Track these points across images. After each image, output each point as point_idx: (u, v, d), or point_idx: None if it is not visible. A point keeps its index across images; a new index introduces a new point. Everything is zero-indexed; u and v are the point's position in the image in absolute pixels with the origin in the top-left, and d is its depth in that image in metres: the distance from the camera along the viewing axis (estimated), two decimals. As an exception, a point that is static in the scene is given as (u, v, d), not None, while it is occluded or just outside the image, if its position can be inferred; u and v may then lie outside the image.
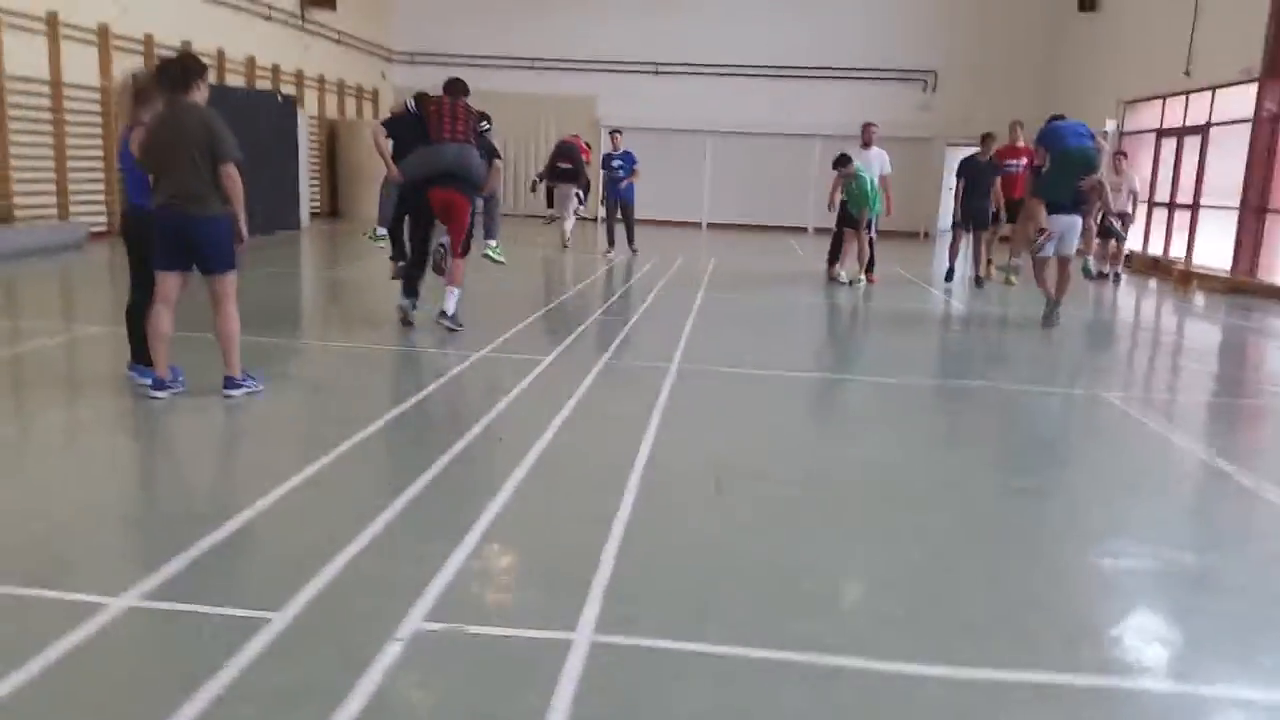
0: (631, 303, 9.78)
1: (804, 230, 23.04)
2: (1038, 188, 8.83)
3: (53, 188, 12.36)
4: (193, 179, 4.96)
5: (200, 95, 5.09)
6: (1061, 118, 9.38)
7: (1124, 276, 13.46)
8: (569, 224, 15.17)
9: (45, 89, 12.14)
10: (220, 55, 15.82)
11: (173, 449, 4.78)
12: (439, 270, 7.80)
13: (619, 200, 14.57)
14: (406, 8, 23.55)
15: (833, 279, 11.97)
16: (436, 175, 7.16)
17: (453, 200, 7.23)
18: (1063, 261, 8.75)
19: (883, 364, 7.58)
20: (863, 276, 11.73)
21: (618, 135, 15.36)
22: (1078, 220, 8.79)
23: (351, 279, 11.11)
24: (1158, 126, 16.73)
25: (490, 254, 8.17)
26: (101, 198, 13.30)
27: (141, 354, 5.37)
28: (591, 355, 6.89)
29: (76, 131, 12.65)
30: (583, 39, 23.12)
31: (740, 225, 23.18)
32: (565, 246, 15.07)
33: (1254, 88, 13.35)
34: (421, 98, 7.61)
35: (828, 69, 22.83)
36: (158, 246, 5.08)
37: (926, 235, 23.15)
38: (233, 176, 5.05)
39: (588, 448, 4.71)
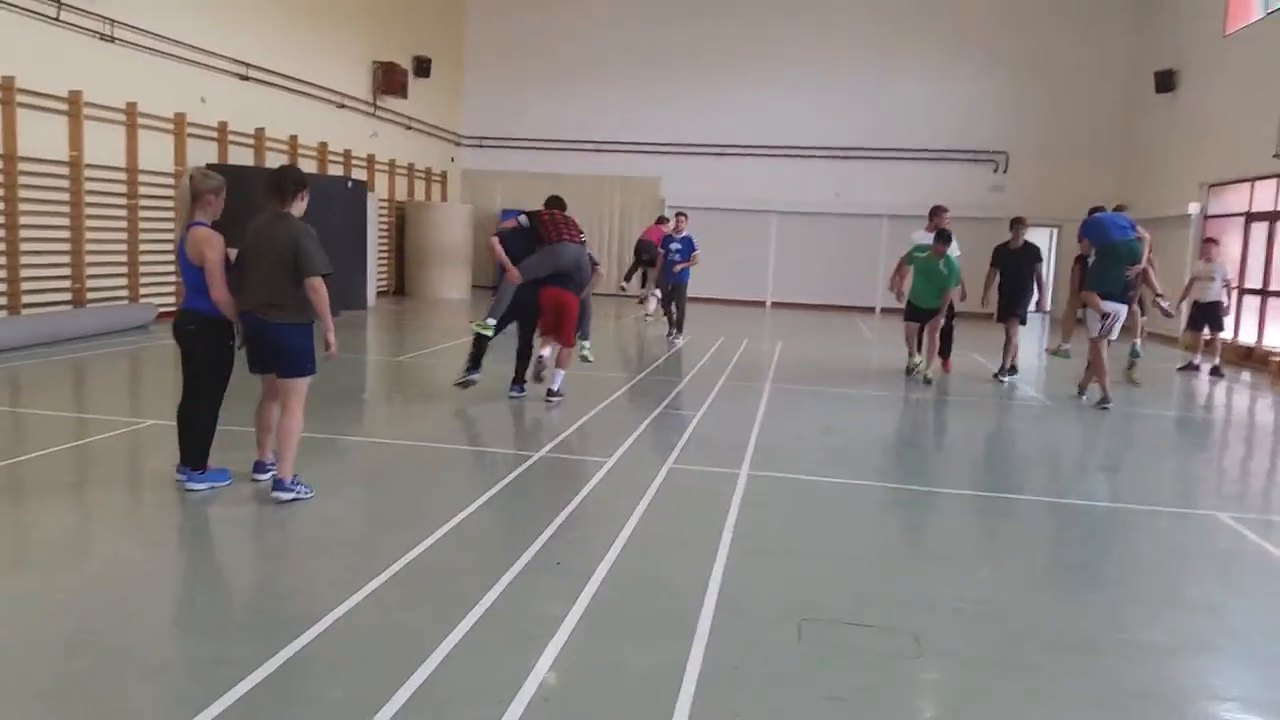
0: (696, 394, 9.40)
1: (871, 310, 22.60)
2: (1090, 280, 9.50)
3: (124, 270, 12.53)
4: (274, 288, 5.10)
5: (299, 206, 5.24)
6: (1101, 209, 10.07)
7: (1223, 371, 12.62)
8: (651, 304, 16.93)
9: (121, 175, 12.39)
10: (293, 141, 16.15)
11: (216, 557, 4.50)
12: (538, 378, 8.66)
13: (672, 284, 14.43)
14: (475, 94, 24.02)
15: (912, 371, 10.99)
16: (553, 274, 8.25)
17: (563, 297, 8.32)
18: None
19: (968, 472, 7.06)
20: (930, 368, 10.84)
21: (682, 218, 15.40)
22: (1124, 308, 9.50)
23: (415, 365, 10.94)
24: (1247, 210, 16.02)
25: (584, 354, 9.12)
26: (171, 278, 13.46)
27: (189, 455, 5.24)
28: (654, 458, 6.50)
29: (149, 215, 12.87)
30: (648, 121, 23.29)
31: (805, 305, 22.82)
32: (647, 319, 16.64)
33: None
34: (533, 214, 8.55)
35: (893, 149, 22.60)
36: (249, 351, 5.28)
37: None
38: (317, 289, 5.14)
39: (653, 578, 4.30)
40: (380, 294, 18.97)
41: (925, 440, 8.28)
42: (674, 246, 14.62)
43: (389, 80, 19.12)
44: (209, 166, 13.82)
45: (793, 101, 22.82)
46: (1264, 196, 15.52)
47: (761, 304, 23.28)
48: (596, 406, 8.43)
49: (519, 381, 8.65)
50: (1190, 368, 12.92)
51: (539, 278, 8.28)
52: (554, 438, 7.04)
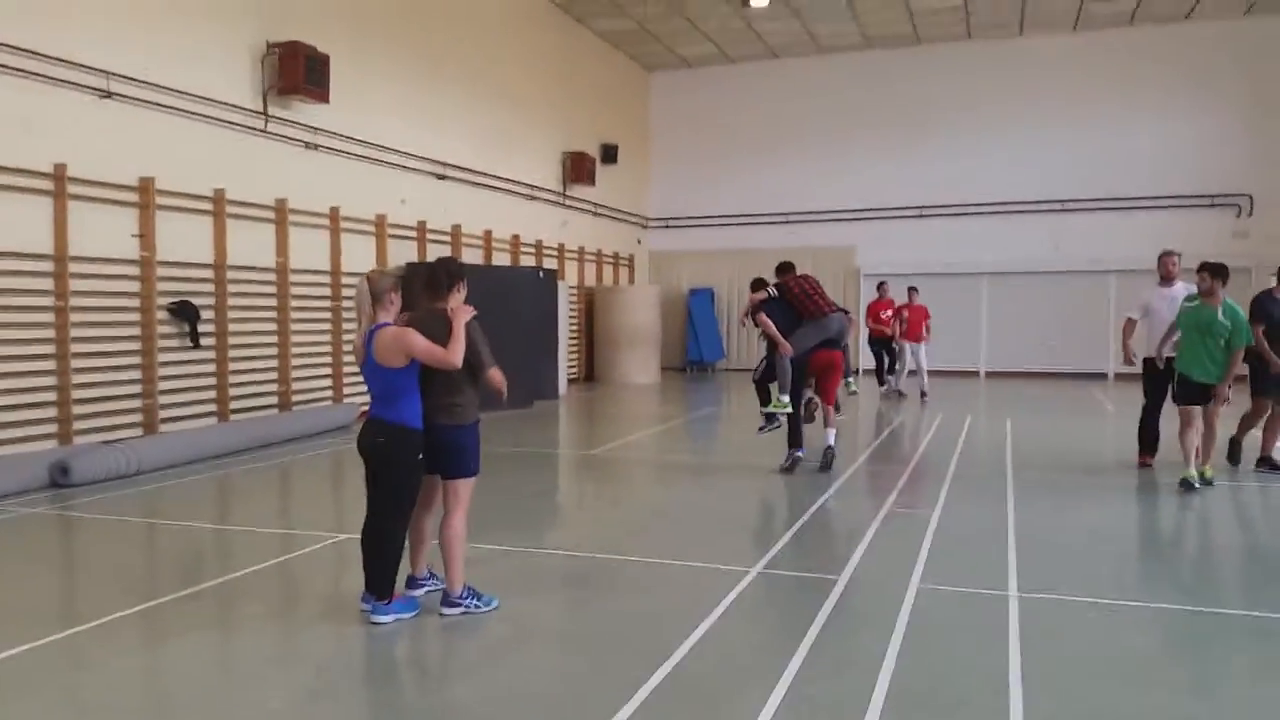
0: (926, 487, 8.24)
1: (1104, 376, 20.40)
2: None
3: (329, 371, 12.71)
4: (444, 388, 4.80)
5: (457, 299, 4.88)
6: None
7: None
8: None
9: (325, 278, 12.66)
10: (487, 235, 16.29)
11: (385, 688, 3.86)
12: (810, 419, 9.67)
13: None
14: (660, 175, 23.93)
15: (1190, 484, 7.87)
16: (824, 341, 8.95)
17: (834, 359, 9.07)
18: None
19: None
20: (1208, 464, 8.19)
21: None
22: None
23: (607, 460, 10.33)
24: None
25: (853, 388, 10.25)
26: (373, 378, 13.60)
27: (375, 583, 4.72)
28: (896, 575, 5.44)
29: (351, 315, 13.08)
30: (837, 188, 22.38)
31: (1024, 373, 20.88)
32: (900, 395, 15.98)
33: None
34: (781, 285, 9.08)
35: (1118, 199, 20.57)
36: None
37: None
38: (489, 379, 4.89)
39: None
40: (571, 380, 18.75)
41: (1225, 542, 6.76)
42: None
43: (577, 169, 19.20)
44: (408, 264, 14.11)
45: (999, 154, 21.30)
46: None
47: (975, 374, 21.53)
48: (811, 505, 7.45)
49: (799, 444, 9.10)
50: None
51: (812, 346, 8.94)
52: (768, 547, 6.11)
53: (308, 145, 12.27)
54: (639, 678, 3.90)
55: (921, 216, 21.96)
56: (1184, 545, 6.66)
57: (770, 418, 9.24)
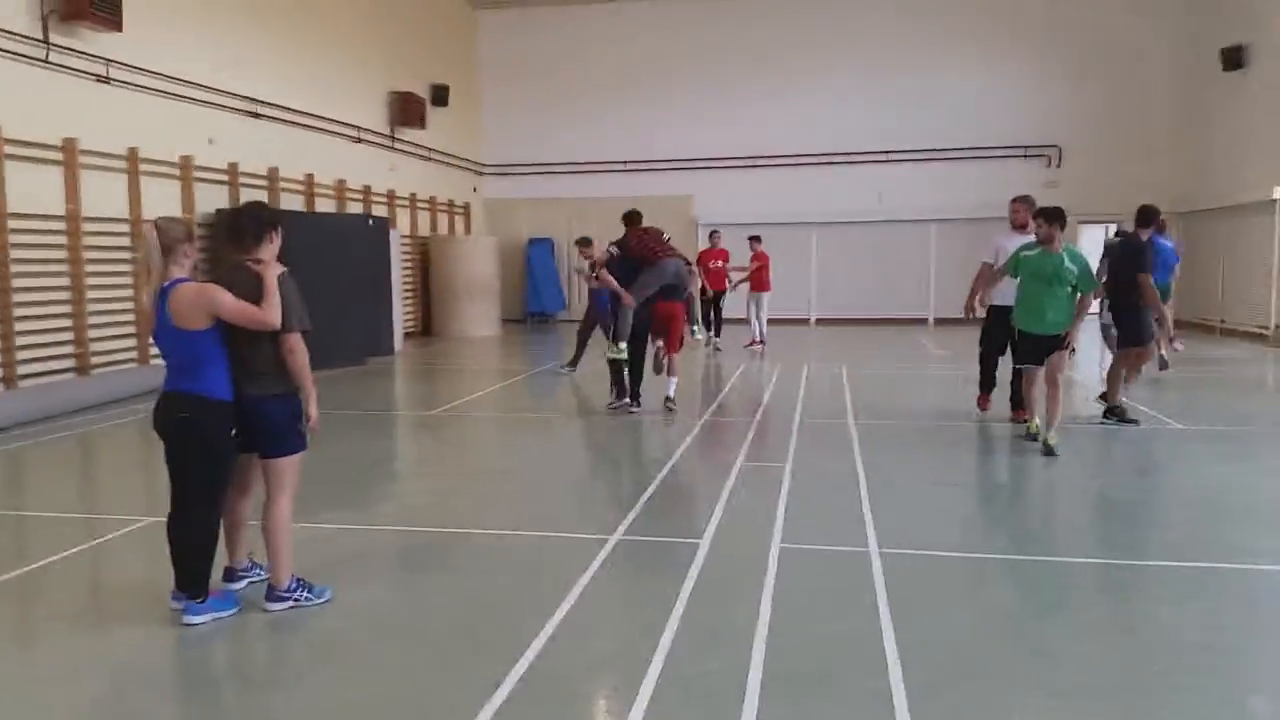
0: (776, 439, 8.21)
1: (924, 322, 21.32)
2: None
3: (133, 330, 11.54)
4: (250, 354, 4.18)
5: (270, 251, 4.26)
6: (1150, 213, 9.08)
7: None
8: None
9: (125, 227, 11.43)
10: (310, 180, 15.20)
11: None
12: (658, 370, 9.64)
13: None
14: (495, 120, 23.07)
15: (1035, 437, 7.71)
16: (663, 289, 9.11)
17: (674, 310, 9.32)
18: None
19: (1146, 529, 5.82)
20: (1053, 431, 7.48)
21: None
22: None
23: (448, 421, 9.83)
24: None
25: (697, 334, 10.16)
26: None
27: (186, 580, 4.17)
28: (757, 536, 5.31)
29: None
30: (675, 138, 22.22)
31: (853, 320, 21.56)
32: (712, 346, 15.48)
33: None
34: (621, 242, 9.33)
35: (938, 150, 21.34)
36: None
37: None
38: (294, 349, 4.15)
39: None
40: (407, 335, 17.94)
41: (1072, 489, 7.00)
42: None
43: (406, 111, 18.18)
44: (218, 210, 12.96)
45: (828, 106, 21.67)
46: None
47: (806, 321, 22.05)
48: (665, 465, 7.26)
49: (636, 398, 9.42)
50: None
51: (651, 295, 9.12)
52: (624, 511, 5.86)
53: (99, 78, 10.94)
54: (495, 675, 3.55)
55: (755, 167, 22.13)
56: (1030, 494, 6.81)
57: (621, 396, 9.57)
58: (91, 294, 10.84)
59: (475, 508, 6.27)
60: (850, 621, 4.07)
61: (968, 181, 21.09)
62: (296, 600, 4.29)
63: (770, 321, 16.20)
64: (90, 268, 10.82)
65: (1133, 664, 3.72)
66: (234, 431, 4.17)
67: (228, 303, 4.02)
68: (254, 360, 4.17)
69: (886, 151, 21.54)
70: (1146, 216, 9.02)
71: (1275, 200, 16.13)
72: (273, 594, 4.29)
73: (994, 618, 4.23)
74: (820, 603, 4.34)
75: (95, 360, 10.87)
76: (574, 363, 12.83)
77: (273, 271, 4.15)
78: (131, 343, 11.53)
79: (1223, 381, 11.94)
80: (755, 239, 15.87)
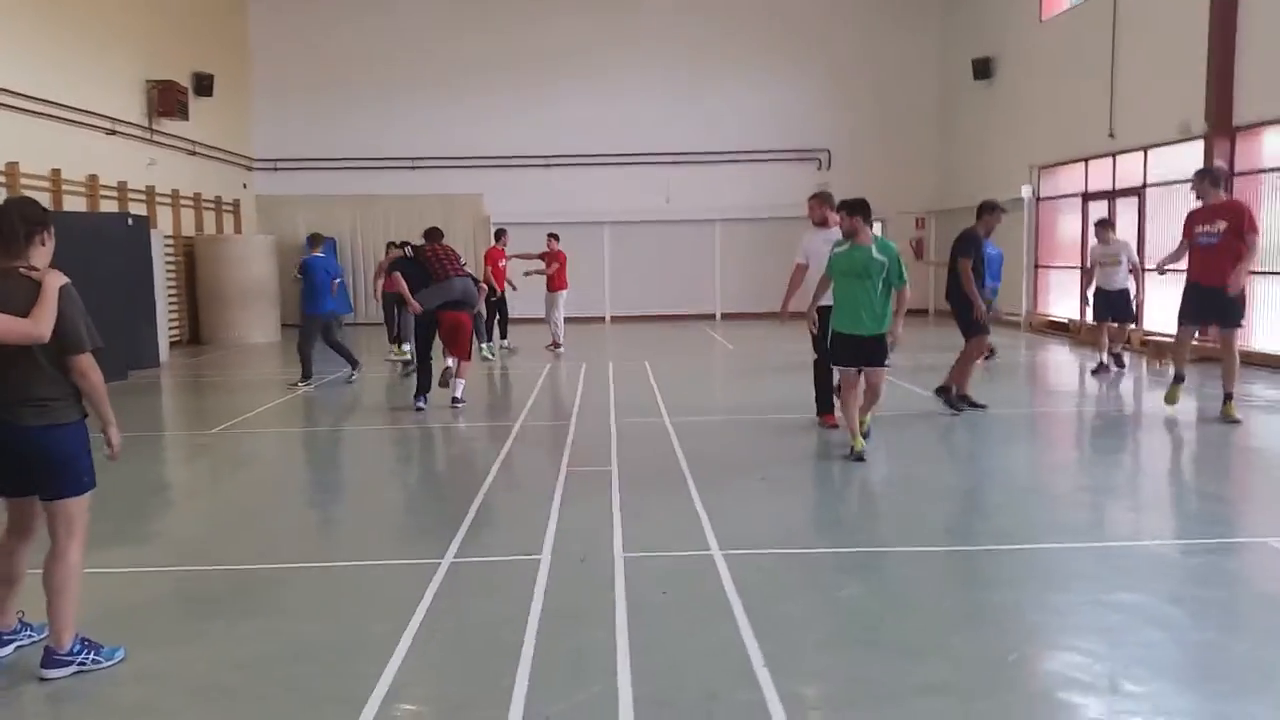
0: (595, 441, 8.02)
1: (712, 317, 21.94)
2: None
3: None
4: (27, 377, 3.57)
5: (42, 255, 3.69)
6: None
7: (1123, 361, 11.63)
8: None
9: None
10: (56, 176, 13.53)
11: None
12: (444, 384, 10.14)
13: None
14: (267, 111, 21.59)
15: (858, 456, 7.07)
16: (446, 303, 9.66)
17: (459, 320, 9.84)
18: None
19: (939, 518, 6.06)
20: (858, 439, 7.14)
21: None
22: None
23: (230, 441, 8.94)
24: (1083, 190, 16.26)
25: (485, 354, 11.51)
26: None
27: None
28: (598, 544, 5.09)
29: None
30: (464, 135, 21.64)
31: (645, 317, 21.83)
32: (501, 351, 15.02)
33: (1195, 146, 12.84)
34: (418, 248, 10.17)
35: (719, 152, 21.99)
36: None
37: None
38: (86, 373, 3.62)
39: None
40: (173, 344, 16.39)
41: (903, 477, 7.19)
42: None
43: (166, 101, 16.60)
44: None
45: (617, 109, 21.80)
46: (1100, 176, 15.72)
47: (601, 319, 22.11)
48: (486, 476, 6.90)
49: (423, 392, 9.74)
50: (1103, 369, 11.39)
51: (435, 306, 9.66)
52: (453, 529, 5.48)
53: None
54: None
55: (547, 166, 21.94)
56: (860, 485, 6.68)
57: (422, 388, 9.81)
58: None
59: (279, 539, 5.65)
60: (711, 632, 3.93)
61: (745, 182, 21.89)
62: (81, 664, 3.65)
63: (566, 320, 15.92)
64: None
65: (994, 654, 3.79)
66: None
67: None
68: (36, 385, 3.55)
69: (672, 153, 21.93)
70: (979, 211, 9.04)
71: (1021, 198, 17.70)
72: (51, 658, 3.63)
73: (852, 616, 4.22)
74: (676, 613, 4.18)
75: None
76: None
77: (54, 280, 3.52)
78: None
79: (1008, 368, 12.74)
80: (553, 236, 15.60)
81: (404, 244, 12.05)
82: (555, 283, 15.27)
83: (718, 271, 22.37)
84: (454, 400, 9.75)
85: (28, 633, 3.89)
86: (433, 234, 10.37)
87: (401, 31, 21.53)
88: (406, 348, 10.07)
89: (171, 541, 5.69)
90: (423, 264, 9.81)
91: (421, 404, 9.62)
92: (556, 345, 15.11)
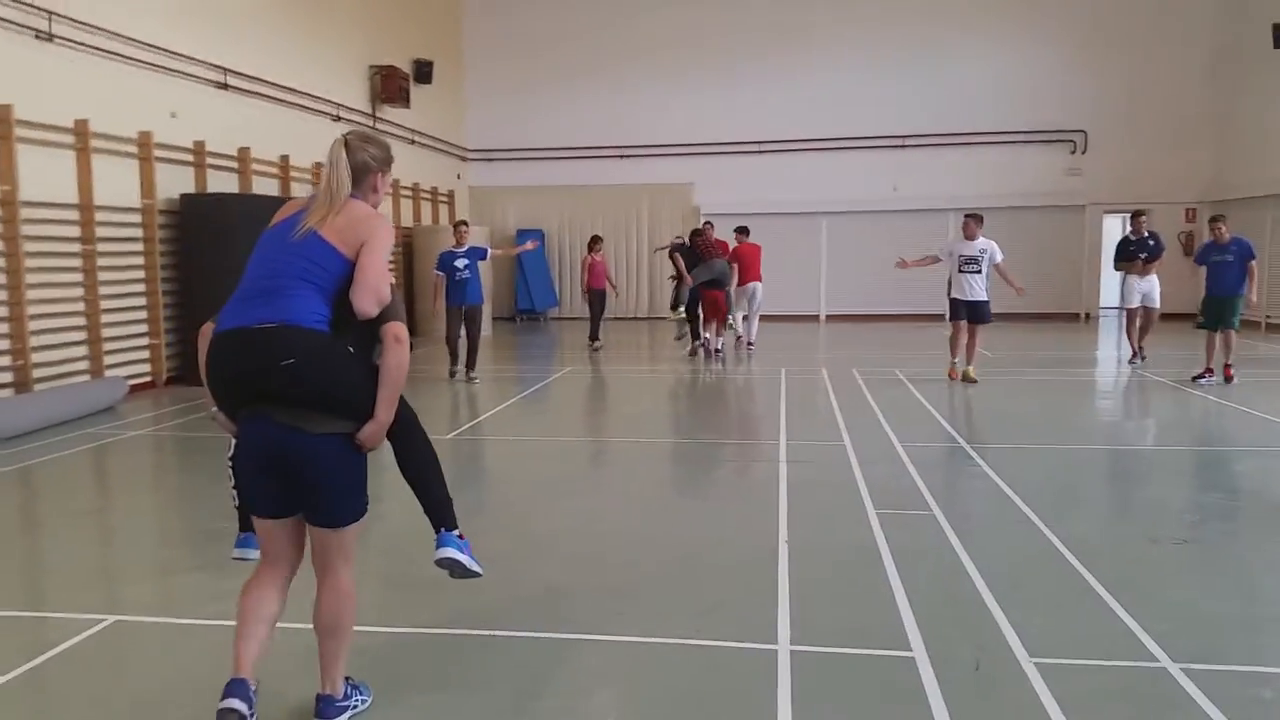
0: (893, 480, 6.69)
1: (941, 319, 19.98)
2: None
3: (83, 336, 9.77)
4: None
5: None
6: None
7: None
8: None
9: (73, 214, 9.65)
10: (285, 162, 13.46)
11: None
12: (708, 353, 13.23)
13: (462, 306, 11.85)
14: (480, 101, 21.41)
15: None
16: (710, 280, 12.93)
17: (718, 297, 13.01)
18: None
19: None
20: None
21: (463, 227, 12.33)
22: None
23: (471, 447, 8.18)
24: None
25: (731, 325, 13.75)
26: (145, 341, 10.72)
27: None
28: (980, 636, 3.81)
29: (111, 263, 10.12)
30: (675, 122, 20.69)
31: (865, 316, 20.19)
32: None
33: None
34: (693, 235, 13.58)
35: (956, 134, 20.00)
36: (250, 482, 3.03)
37: (1088, 317, 19.99)
38: (400, 340, 3.04)
39: None
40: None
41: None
42: (458, 264, 11.52)
43: (389, 87, 16.45)
44: (183, 196, 11.21)
45: (839, 89, 20.26)
46: None
47: (815, 318, 20.66)
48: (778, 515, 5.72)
49: (695, 339, 13.56)
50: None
51: (701, 281, 12.97)
52: (771, 608, 4.32)
53: (39, 34, 9.17)
54: None
55: (761, 153, 20.68)
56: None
57: (693, 337, 13.55)
58: (33, 293, 9.06)
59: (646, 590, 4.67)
60: None
61: (986, 167, 19.87)
62: (354, 709, 3.11)
63: (775, 318, 14.56)
64: (32, 262, 9.04)
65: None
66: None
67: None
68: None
69: (901, 136, 20.19)
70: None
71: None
72: (330, 708, 3.03)
73: None
74: None
75: (39, 374, 9.10)
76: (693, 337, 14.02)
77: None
78: (82, 350, 9.77)
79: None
80: (742, 230, 14.15)
81: (600, 240, 15.47)
82: (753, 273, 13.92)
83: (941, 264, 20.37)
84: (717, 351, 13.15)
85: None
86: (702, 229, 13.54)
87: (610, 13, 20.79)
88: (682, 310, 13.45)
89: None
90: (695, 249, 13.14)
91: (699, 342, 13.31)
92: (745, 343, 14.17)
